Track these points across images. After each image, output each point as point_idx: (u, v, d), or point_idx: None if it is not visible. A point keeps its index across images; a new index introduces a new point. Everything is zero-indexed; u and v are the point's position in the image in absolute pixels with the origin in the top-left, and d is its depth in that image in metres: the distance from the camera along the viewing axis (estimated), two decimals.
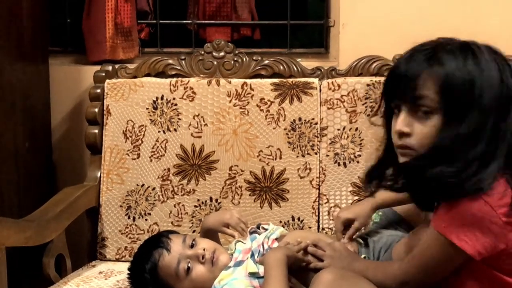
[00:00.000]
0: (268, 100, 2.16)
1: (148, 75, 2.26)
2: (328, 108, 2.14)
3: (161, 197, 2.16)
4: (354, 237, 1.81)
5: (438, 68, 1.31)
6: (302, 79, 2.18)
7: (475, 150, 1.29)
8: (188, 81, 2.19)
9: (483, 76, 1.30)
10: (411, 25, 2.18)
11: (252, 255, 1.70)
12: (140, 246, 1.84)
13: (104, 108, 2.20)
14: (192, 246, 1.71)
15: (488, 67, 1.31)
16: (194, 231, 2.13)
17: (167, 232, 1.81)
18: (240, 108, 2.16)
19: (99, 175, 2.18)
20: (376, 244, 1.76)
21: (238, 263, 1.69)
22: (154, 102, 2.18)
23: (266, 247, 1.73)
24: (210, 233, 1.86)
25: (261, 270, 1.63)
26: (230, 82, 2.18)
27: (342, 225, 1.82)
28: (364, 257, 1.72)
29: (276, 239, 1.77)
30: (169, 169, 2.17)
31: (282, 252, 1.59)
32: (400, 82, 1.36)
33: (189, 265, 1.67)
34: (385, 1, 2.23)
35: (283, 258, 1.56)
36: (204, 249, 1.70)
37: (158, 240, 1.74)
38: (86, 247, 2.19)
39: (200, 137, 2.17)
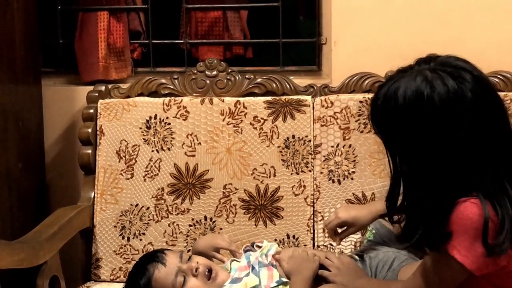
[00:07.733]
0: (262, 118, 2.16)
1: (141, 94, 2.26)
2: (322, 125, 2.14)
3: (155, 216, 2.15)
4: (349, 254, 1.80)
5: None
6: (295, 97, 2.18)
7: None
8: (181, 100, 2.19)
9: None
10: (403, 42, 2.19)
11: (253, 268, 1.70)
12: (136, 262, 1.84)
13: (97, 128, 2.20)
14: (188, 261, 1.73)
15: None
16: (189, 251, 2.12)
17: (163, 249, 1.82)
18: (234, 126, 2.16)
19: (93, 196, 2.17)
20: (373, 260, 1.76)
21: (234, 280, 1.70)
22: (148, 121, 2.18)
23: (266, 262, 1.73)
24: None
25: (263, 282, 1.65)
26: (223, 101, 2.18)
27: (337, 226, 1.81)
28: None
29: (273, 255, 1.78)
30: (163, 189, 2.16)
31: (312, 270, 1.65)
32: None
33: (184, 278, 1.68)
34: (376, 18, 2.24)
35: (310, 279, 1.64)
36: (197, 263, 1.71)
37: (154, 255, 1.76)
38: (80, 268, 2.17)
39: (194, 156, 2.16)
